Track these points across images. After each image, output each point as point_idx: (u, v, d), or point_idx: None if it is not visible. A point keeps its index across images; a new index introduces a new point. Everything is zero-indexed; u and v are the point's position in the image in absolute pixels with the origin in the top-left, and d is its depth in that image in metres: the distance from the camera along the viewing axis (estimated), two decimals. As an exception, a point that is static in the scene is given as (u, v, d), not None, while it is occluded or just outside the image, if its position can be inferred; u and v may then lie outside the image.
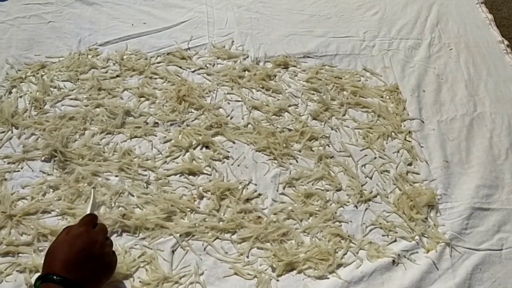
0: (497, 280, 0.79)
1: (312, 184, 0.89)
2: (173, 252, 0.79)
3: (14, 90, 0.99)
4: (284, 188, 0.89)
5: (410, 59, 1.14)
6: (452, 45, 1.18)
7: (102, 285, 0.67)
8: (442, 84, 1.09)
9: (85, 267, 0.62)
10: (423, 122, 1.01)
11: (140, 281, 0.75)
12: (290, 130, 0.97)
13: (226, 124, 0.97)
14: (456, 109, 1.04)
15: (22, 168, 0.87)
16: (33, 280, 0.73)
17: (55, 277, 0.59)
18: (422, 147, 0.96)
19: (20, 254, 0.77)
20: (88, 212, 0.77)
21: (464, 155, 0.96)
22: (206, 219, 0.83)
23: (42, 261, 0.74)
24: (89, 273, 0.62)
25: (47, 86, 0.99)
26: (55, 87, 1.00)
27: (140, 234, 0.80)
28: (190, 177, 0.88)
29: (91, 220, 0.70)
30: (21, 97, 0.98)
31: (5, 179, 0.85)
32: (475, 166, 0.94)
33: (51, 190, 0.84)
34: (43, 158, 0.88)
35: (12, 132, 0.92)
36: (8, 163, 0.87)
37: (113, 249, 0.71)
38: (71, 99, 0.98)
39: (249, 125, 0.97)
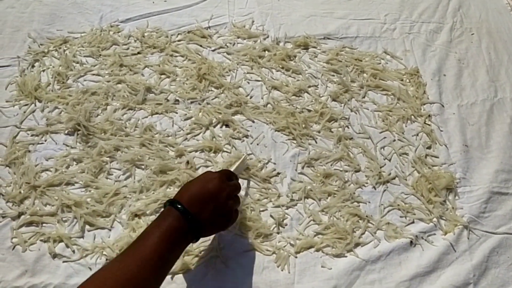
0: (514, 264, 0.80)
1: (331, 165, 0.90)
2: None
3: (36, 64, 1.00)
4: (303, 167, 0.89)
5: (431, 43, 1.13)
6: (474, 30, 1.17)
7: (215, 232, 0.72)
8: (463, 68, 1.08)
9: (206, 207, 0.65)
10: (443, 106, 1.00)
11: (161, 253, 0.76)
12: (309, 110, 0.97)
13: (245, 103, 0.97)
14: (477, 94, 1.03)
15: (45, 141, 0.88)
16: (57, 250, 0.76)
17: (179, 205, 0.64)
18: (441, 131, 0.96)
19: (43, 224, 0.79)
20: (232, 169, 0.78)
21: (484, 140, 0.96)
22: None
23: (66, 231, 0.77)
24: (208, 214, 0.65)
25: (69, 61, 1.00)
26: (77, 62, 1.01)
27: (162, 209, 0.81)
28: (211, 154, 0.89)
29: (229, 174, 0.74)
30: (43, 71, 0.99)
31: (29, 151, 0.87)
32: (495, 151, 0.94)
33: (75, 162, 0.86)
34: (66, 132, 0.89)
35: (35, 105, 0.93)
36: (32, 136, 0.89)
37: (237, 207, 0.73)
38: (93, 74, 0.99)
39: (269, 105, 0.98)
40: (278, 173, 0.88)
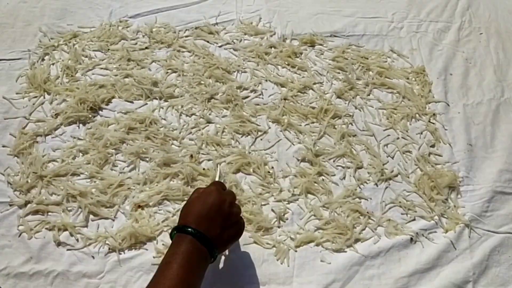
0: (515, 263, 0.80)
1: (334, 161, 0.90)
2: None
3: (46, 57, 1.02)
4: (305, 163, 0.90)
5: (439, 42, 1.12)
6: (483, 29, 1.16)
7: (229, 246, 0.70)
8: (470, 68, 1.08)
9: (214, 222, 0.65)
10: (448, 105, 1.00)
11: (163, 244, 0.77)
12: (313, 107, 0.98)
13: (250, 99, 0.98)
14: (483, 94, 1.03)
15: (54, 131, 0.90)
16: (61, 238, 0.77)
17: (189, 229, 0.63)
18: (446, 129, 0.96)
19: (49, 213, 0.80)
20: (216, 179, 0.81)
21: (489, 140, 0.95)
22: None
23: (70, 220, 0.78)
24: (217, 228, 0.65)
25: (78, 55, 1.01)
26: (86, 56, 1.02)
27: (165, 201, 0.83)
28: (217, 148, 0.90)
29: (220, 184, 0.74)
30: (53, 64, 1.01)
31: (37, 142, 0.89)
32: (499, 151, 0.94)
33: (81, 154, 0.87)
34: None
35: (44, 98, 0.95)
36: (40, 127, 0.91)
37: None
38: (102, 68, 1.01)
39: (273, 101, 0.98)
40: (281, 169, 0.89)
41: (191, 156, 0.88)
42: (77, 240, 0.77)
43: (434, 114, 0.98)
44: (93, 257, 0.76)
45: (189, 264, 0.61)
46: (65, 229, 0.78)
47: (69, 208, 0.80)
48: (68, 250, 0.76)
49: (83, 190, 0.81)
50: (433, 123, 0.97)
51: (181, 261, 0.60)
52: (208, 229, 0.64)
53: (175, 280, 0.58)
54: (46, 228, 0.78)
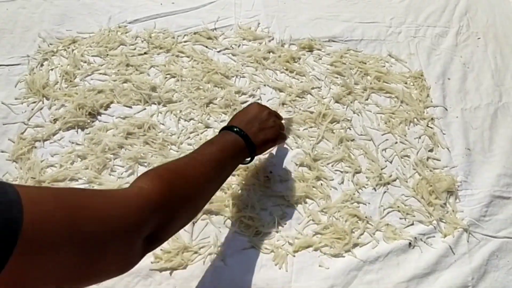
0: (514, 268, 0.80)
1: (332, 166, 0.90)
2: (193, 223, 0.81)
3: (45, 63, 1.02)
4: (303, 168, 0.90)
5: (437, 47, 1.13)
6: (480, 34, 1.17)
7: (266, 147, 0.80)
8: (468, 72, 1.08)
9: (251, 124, 0.77)
10: (446, 109, 1.00)
11: (161, 249, 0.77)
12: (311, 112, 0.98)
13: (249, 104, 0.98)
14: (481, 98, 1.03)
15: (53, 136, 0.91)
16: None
17: (235, 129, 0.74)
18: (444, 134, 0.96)
19: (48, 219, 0.80)
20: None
21: (487, 144, 0.95)
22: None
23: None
24: (255, 128, 0.77)
25: (77, 60, 1.02)
26: (85, 62, 1.03)
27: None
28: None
29: (265, 106, 0.84)
30: (52, 69, 1.01)
31: (35, 147, 0.89)
32: (498, 155, 0.94)
33: (79, 159, 0.87)
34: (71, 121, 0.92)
35: (43, 103, 0.95)
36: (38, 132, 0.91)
37: None
38: (100, 73, 1.01)
39: (272, 106, 0.98)
40: (279, 173, 0.89)
41: None
42: (75, 245, 0.77)
43: (432, 119, 0.98)
44: (91, 262, 0.76)
45: (226, 149, 0.70)
46: (63, 235, 0.78)
47: (67, 213, 0.80)
48: (66, 255, 0.76)
49: (81, 195, 0.81)
50: (431, 128, 0.97)
51: (220, 146, 0.70)
52: (246, 128, 0.75)
53: (210, 157, 0.67)
54: (44, 234, 0.78)
